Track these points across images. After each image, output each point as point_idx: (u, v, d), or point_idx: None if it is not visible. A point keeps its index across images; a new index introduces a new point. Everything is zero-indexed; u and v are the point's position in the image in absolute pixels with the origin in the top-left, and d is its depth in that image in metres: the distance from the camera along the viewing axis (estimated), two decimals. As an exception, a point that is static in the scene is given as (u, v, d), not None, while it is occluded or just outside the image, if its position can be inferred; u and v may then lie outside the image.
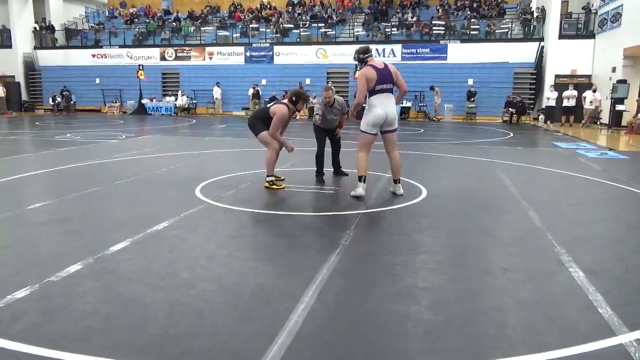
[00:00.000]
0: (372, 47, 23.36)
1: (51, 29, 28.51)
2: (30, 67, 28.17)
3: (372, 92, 5.76)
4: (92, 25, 30.24)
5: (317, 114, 7.00)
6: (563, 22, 21.38)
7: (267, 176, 6.41)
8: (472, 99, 21.81)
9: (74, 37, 29.20)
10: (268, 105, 6.69)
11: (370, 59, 5.89)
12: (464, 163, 7.99)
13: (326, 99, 6.95)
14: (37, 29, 28.30)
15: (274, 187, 6.33)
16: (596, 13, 20.72)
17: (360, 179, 5.93)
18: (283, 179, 6.75)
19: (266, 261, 3.86)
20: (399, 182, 6.13)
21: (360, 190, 5.90)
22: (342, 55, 24.06)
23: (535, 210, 5.39)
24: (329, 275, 3.42)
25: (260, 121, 6.48)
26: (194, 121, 20.58)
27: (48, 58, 28.07)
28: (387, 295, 3.15)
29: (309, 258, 3.89)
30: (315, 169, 7.20)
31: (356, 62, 6.13)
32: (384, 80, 5.75)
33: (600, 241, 4.50)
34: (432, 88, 21.68)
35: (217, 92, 24.71)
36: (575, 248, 4.11)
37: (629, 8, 17.35)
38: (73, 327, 2.67)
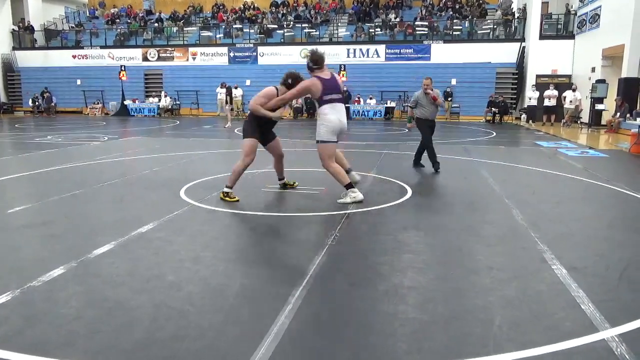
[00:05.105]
0: (356, 47, 23.81)
1: (30, 29, 27.99)
2: (8, 68, 27.61)
3: (321, 101, 5.59)
4: (73, 25, 29.79)
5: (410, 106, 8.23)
6: (543, 22, 21.69)
7: (226, 186, 5.79)
8: (449, 99, 21.98)
9: (53, 38, 28.71)
10: None
11: (319, 71, 5.72)
12: (448, 162, 8.06)
13: (425, 86, 7.80)
14: (16, 29, 27.77)
15: (228, 199, 5.69)
16: (575, 14, 21.06)
17: (349, 186, 5.66)
18: (294, 184, 6.52)
19: (252, 262, 3.84)
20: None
21: (358, 195, 5.62)
22: (326, 55, 24.04)
23: (519, 208, 5.45)
24: (315, 276, 3.42)
25: (251, 124, 5.83)
26: (178, 122, 20.41)
27: (27, 59, 27.55)
28: (374, 295, 3.16)
29: (295, 258, 3.89)
30: (414, 159, 8.41)
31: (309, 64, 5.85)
32: (332, 90, 5.63)
33: (582, 238, 4.57)
34: None
35: (237, 94, 23.14)
36: (558, 246, 4.16)
37: (607, 9, 17.67)
38: (56, 332, 2.63)
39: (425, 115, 7.97)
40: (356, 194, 5.62)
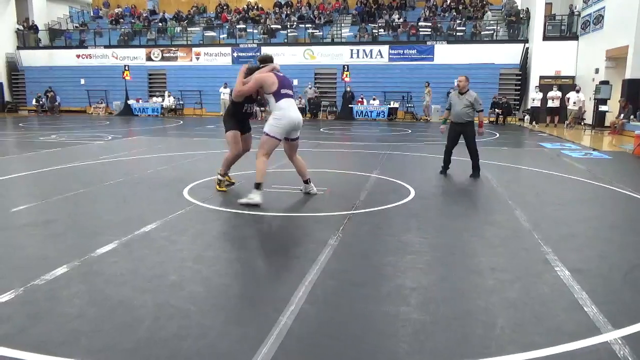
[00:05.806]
0: (360, 47, 23.81)
1: (34, 29, 28.10)
2: (13, 67, 27.71)
3: (279, 95, 5.56)
4: (77, 25, 29.88)
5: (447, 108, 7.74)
6: (547, 23, 21.65)
7: (218, 174, 6.31)
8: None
9: (58, 37, 28.82)
10: None
11: (269, 67, 5.79)
12: (451, 163, 8.04)
13: (459, 82, 7.48)
14: (20, 29, 27.87)
15: (218, 188, 6.22)
16: (579, 15, 21.01)
17: (258, 186, 5.45)
18: (234, 183, 6.64)
19: (254, 262, 3.84)
20: (310, 182, 6.11)
21: (257, 197, 5.39)
22: (329, 56, 24.12)
23: (522, 210, 5.44)
24: (318, 276, 3.42)
25: (231, 117, 6.31)
26: (181, 122, 20.45)
27: (31, 58, 27.67)
28: (376, 295, 3.16)
29: (297, 259, 3.89)
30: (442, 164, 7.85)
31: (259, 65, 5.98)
32: (287, 86, 5.68)
33: (585, 240, 4.56)
34: (427, 84, 21.57)
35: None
36: (560, 247, 4.15)
37: (610, 10, 17.63)
38: (59, 331, 2.63)
39: (453, 117, 7.71)
40: (253, 197, 5.39)
